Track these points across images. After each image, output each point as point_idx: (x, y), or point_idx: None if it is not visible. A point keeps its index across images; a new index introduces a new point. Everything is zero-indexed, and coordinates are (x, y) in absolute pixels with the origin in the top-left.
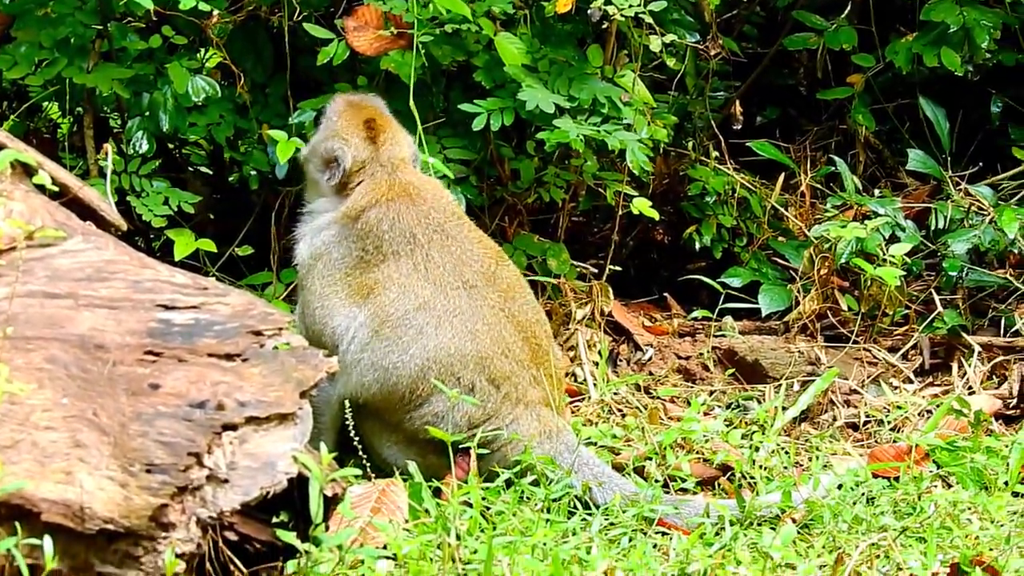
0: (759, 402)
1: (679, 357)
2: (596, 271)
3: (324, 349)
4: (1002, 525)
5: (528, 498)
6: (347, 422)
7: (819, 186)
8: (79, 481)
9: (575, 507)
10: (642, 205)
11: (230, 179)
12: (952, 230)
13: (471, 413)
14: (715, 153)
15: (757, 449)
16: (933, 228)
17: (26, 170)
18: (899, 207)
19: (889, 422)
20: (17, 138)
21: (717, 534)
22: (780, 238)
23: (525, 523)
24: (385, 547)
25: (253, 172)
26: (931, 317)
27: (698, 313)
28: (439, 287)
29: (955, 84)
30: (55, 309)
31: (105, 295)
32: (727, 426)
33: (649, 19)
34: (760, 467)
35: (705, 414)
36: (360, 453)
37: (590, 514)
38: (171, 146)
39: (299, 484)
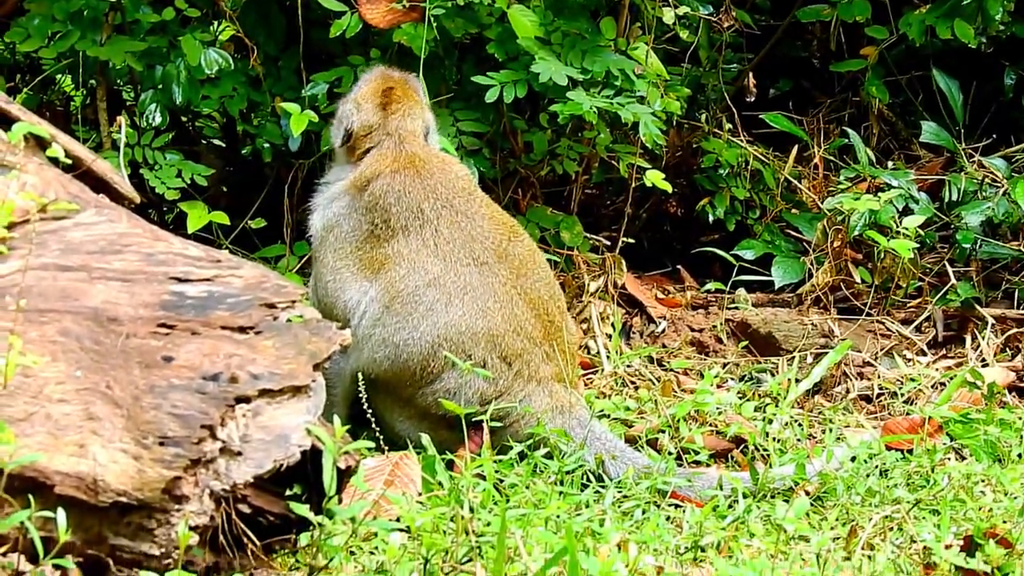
0: (772, 374)
1: (692, 329)
2: (609, 243)
3: (336, 322)
4: (1015, 497)
5: (541, 471)
6: (360, 395)
7: (832, 158)
8: (92, 454)
9: (588, 480)
10: (655, 177)
11: (243, 152)
12: (965, 202)
13: (483, 390)
14: (728, 125)
15: (770, 421)
16: (946, 200)
17: (39, 143)
18: (912, 179)
19: (902, 394)
20: (30, 111)
21: (730, 506)
22: (793, 210)
23: (538, 496)
24: (398, 519)
25: (266, 145)
26: (944, 289)
27: (711, 285)
28: (449, 263)
29: (968, 56)
30: (68, 282)
31: (118, 268)
32: (740, 398)
33: None
34: (773, 439)
35: (718, 386)
36: (373, 426)
37: (603, 487)
38: (184, 119)
39: (312, 457)
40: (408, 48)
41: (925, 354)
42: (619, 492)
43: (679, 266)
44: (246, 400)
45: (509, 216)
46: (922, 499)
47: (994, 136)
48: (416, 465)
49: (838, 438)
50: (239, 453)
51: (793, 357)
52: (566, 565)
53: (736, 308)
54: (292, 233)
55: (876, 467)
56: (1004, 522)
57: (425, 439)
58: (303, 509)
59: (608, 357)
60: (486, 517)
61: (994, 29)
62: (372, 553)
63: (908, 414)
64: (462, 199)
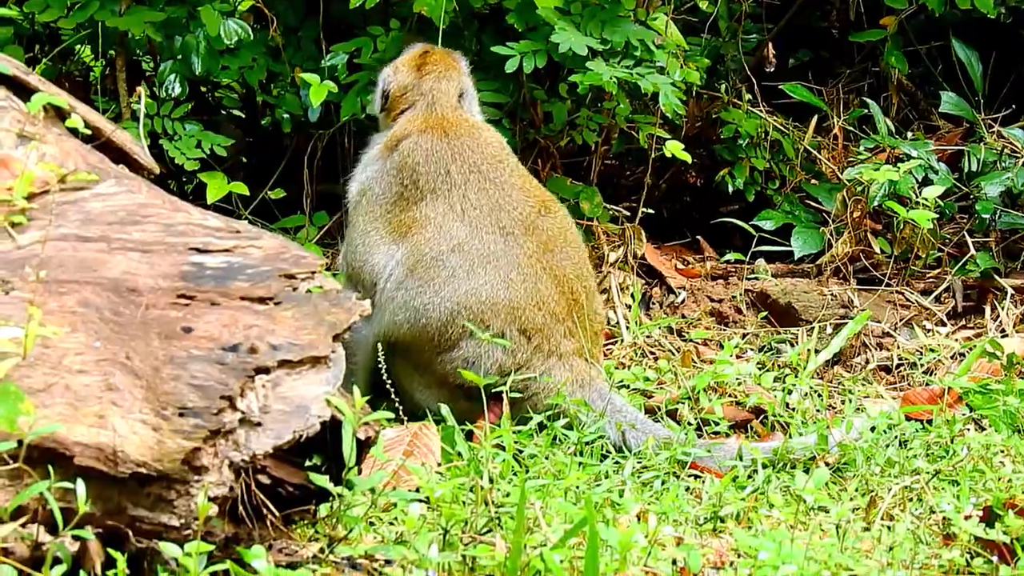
0: (792, 345)
1: (712, 300)
2: (629, 214)
3: (364, 286)
4: None
5: (561, 442)
6: (380, 364)
7: (852, 128)
8: (112, 425)
9: (608, 451)
10: (675, 148)
11: (262, 122)
12: (985, 172)
13: (501, 361)
14: (748, 96)
15: (790, 392)
16: (966, 171)
17: (59, 113)
18: (932, 150)
19: (922, 365)
20: (50, 81)
21: (750, 477)
22: (813, 181)
23: (558, 466)
24: (418, 490)
25: (286, 115)
26: (964, 260)
27: (731, 256)
28: (474, 230)
29: (988, 26)
30: (88, 253)
31: (138, 238)
32: (760, 369)
33: None
34: (793, 410)
35: (738, 357)
36: (393, 397)
37: (623, 457)
38: (203, 89)
39: (332, 427)
40: (428, 19)
41: (944, 324)
42: (639, 463)
43: (699, 237)
44: (265, 371)
45: (544, 191)
46: (941, 470)
47: (1013, 107)
48: (436, 435)
49: (857, 409)
50: (259, 424)
51: (812, 327)
52: (586, 536)
53: (755, 278)
54: (311, 203)
55: (895, 438)
56: (1023, 492)
57: (444, 409)
58: (322, 480)
59: (627, 328)
60: (505, 488)
61: None
62: (391, 524)
63: (927, 385)
64: (491, 165)
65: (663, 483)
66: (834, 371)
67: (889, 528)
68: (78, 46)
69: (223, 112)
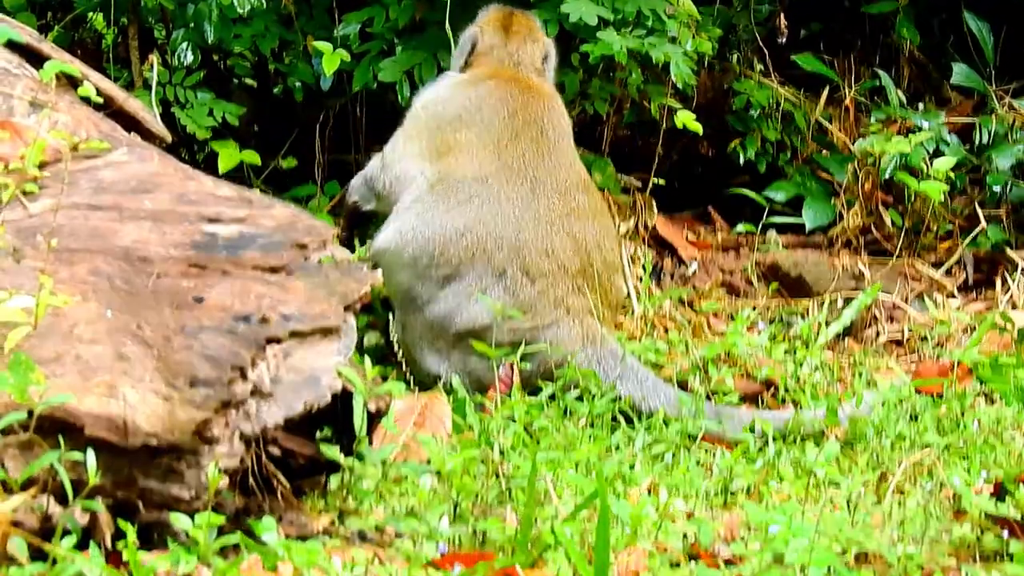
0: (803, 317)
1: (723, 271)
2: (640, 184)
3: (384, 190)
4: None
5: (572, 413)
6: (391, 336)
7: (863, 100)
8: (122, 395)
9: (618, 422)
10: (686, 118)
11: (274, 91)
12: (996, 145)
13: (503, 300)
14: (759, 66)
15: (800, 364)
16: (977, 143)
17: (71, 81)
18: (943, 122)
19: (933, 338)
20: (62, 49)
21: (760, 450)
22: (824, 152)
23: (569, 439)
24: (428, 462)
25: (298, 84)
26: (975, 232)
27: (742, 227)
28: (508, 171)
29: None
30: (99, 221)
31: (149, 207)
32: (771, 341)
33: None
34: (803, 383)
35: (749, 329)
36: (402, 364)
37: (633, 430)
38: (215, 57)
39: (343, 398)
40: None
41: (955, 297)
42: (649, 435)
43: (710, 207)
44: (277, 341)
45: (588, 175)
46: (952, 444)
47: None
48: (446, 406)
49: (868, 382)
50: (270, 395)
51: (823, 300)
52: (596, 509)
53: (767, 250)
54: (323, 173)
55: (906, 411)
56: None
57: (456, 380)
58: (333, 452)
59: (638, 299)
60: (516, 460)
61: None
62: (402, 496)
63: (938, 358)
64: (552, 128)
65: (674, 456)
66: (845, 343)
67: (900, 503)
68: (90, 14)
69: (235, 80)
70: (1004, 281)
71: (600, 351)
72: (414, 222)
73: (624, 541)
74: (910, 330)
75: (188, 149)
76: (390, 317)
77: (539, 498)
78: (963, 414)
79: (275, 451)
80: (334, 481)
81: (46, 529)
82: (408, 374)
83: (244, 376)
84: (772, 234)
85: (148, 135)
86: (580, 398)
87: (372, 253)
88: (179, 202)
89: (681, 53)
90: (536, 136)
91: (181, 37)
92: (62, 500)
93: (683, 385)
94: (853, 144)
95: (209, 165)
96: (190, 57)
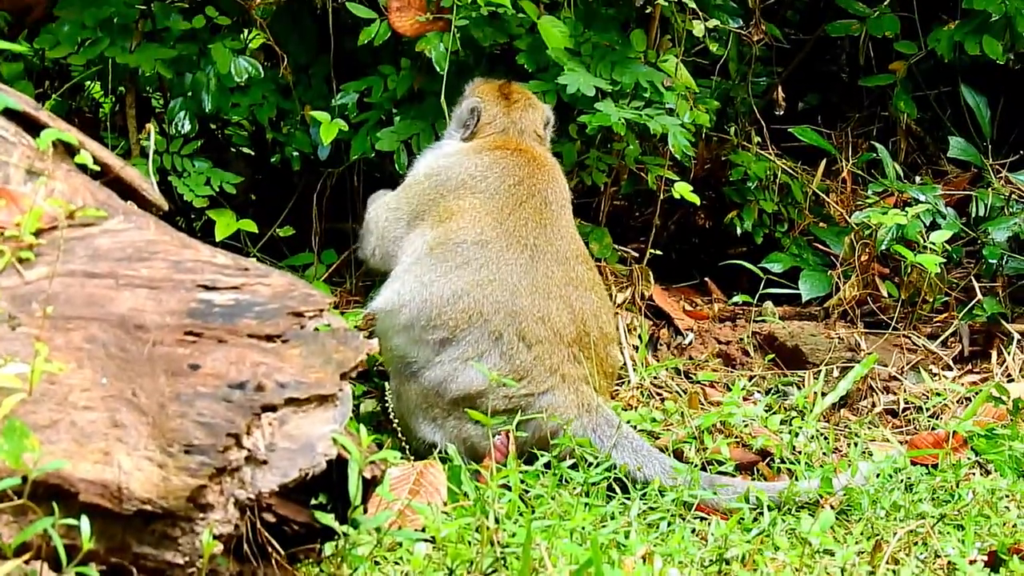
0: (799, 388)
1: (719, 342)
2: (637, 255)
3: (385, 254)
4: None
5: (567, 481)
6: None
7: (860, 172)
8: (117, 461)
9: (614, 490)
10: (684, 190)
11: (272, 160)
12: (992, 218)
13: (499, 366)
14: (757, 138)
15: (796, 435)
16: (973, 216)
17: (68, 149)
18: (940, 194)
19: (928, 409)
20: (59, 117)
21: (755, 519)
22: (821, 224)
23: (564, 507)
24: (423, 529)
25: (295, 153)
26: (971, 304)
27: (738, 298)
28: (507, 236)
29: (996, 72)
30: (95, 289)
31: (146, 275)
32: (767, 411)
33: (692, 4)
34: (799, 453)
35: (745, 399)
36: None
37: (628, 498)
38: (213, 126)
39: (338, 466)
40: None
41: (951, 369)
42: (644, 504)
43: (707, 278)
44: (272, 409)
45: (586, 250)
46: (947, 514)
47: (1021, 152)
48: (441, 474)
49: (863, 452)
50: (265, 462)
51: (819, 370)
52: None
53: (763, 321)
54: (320, 242)
55: (901, 481)
56: None
57: (451, 449)
58: (328, 518)
59: (635, 368)
60: (511, 528)
61: (1022, 46)
62: (397, 563)
63: (933, 429)
64: (554, 199)
65: (669, 524)
66: (840, 414)
67: (894, 572)
68: (88, 82)
69: (232, 149)
70: (1000, 353)
71: (596, 419)
72: (412, 284)
73: None
74: (906, 401)
75: (185, 217)
76: (386, 385)
77: (534, 566)
78: (958, 485)
79: (270, 518)
80: (329, 548)
81: None
82: (403, 442)
83: (239, 443)
84: (769, 305)
85: (145, 203)
86: (575, 467)
87: (369, 315)
88: (175, 270)
89: (679, 124)
90: (539, 206)
91: (179, 106)
92: (56, 566)
93: (679, 454)
94: (850, 216)
95: (206, 233)
96: (187, 126)
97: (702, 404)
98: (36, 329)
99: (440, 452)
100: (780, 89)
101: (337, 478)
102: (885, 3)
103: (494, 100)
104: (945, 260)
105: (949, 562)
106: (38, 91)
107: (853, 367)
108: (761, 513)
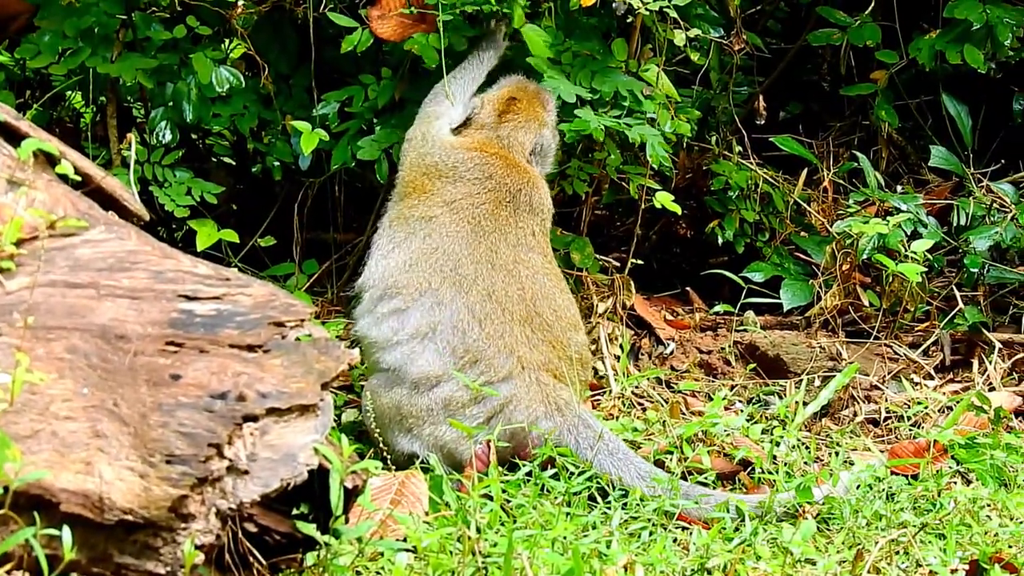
0: (780, 397)
1: (701, 351)
2: (618, 264)
3: None
4: (1021, 522)
5: (549, 491)
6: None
7: (842, 182)
8: (99, 471)
9: (595, 499)
10: (665, 199)
11: (253, 170)
12: (974, 227)
13: (454, 345)
14: (738, 148)
15: (777, 444)
16: (955, 225)
17: (49, 159)
18: (921, 203)
19: (909, 418)
20: (40, 127)
21: (737, 529)
22: (802, 233)
23: (545, 516)
24: (405, 539)
25: (276, 163)
26: (952, 313)
27: (720, 307)
28: (457, 217)
29: (978, 81)
30: (76, 299)
31: (127, 285)
32: (748, 421)
33: (674, 14)
34: (780, 462)
35: (726, 409)
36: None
37: (610, 507)
38: (194, 136)
39: (319, 476)
40: (420, 65)
41: (932, 378)
42: (626, 513)
43: (688, 288)
44: (254, 419)
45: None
46: (928, 523)
47: (1003, 161)
48: (423, 484)
49: (845, 461)
50: (246, 472)
51: (801, 380)
52: None
53: (744, 330)
54: (301, 251)
55: (882, 491)
56: (1010, 547)
57: (433, 459)
58: (309, 528)
59: (616, 378)
60: (493, 538)
61: (1003, 55)
62: (379, 573)
63: (915, 438)
64: (526, 204)
65: (651, 534)
66: (822, 423)
67: None
68: (69, 92)
69: (214, 159)
70: (981, 362)
71: (568, 419)
72: (375, 257)
73: None
74: (887, 410)
75: (166, 227)
76: (364, 399)
77: None
78: (939, 494)
79: (251, 528)
80: (310, 558)
81: None
82: (385, 452)
83: (220, 453)
84: (750, 314)
85: (126, 213)
86: (556, 476)
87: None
88: (156, 280)
89: (658, 134)
90: (503, 200)
91: (160, 116)
92: None
93: (660, 464)
94: (831, 225)
95: (187, 243)
96: (168, 136)
97: (683, 414)
98: (17, 339)
99: (421, 462)
100: (761, 98)
101: (319, 488)
102: (866, 12)
103: (492, 109)
104: (926, 269)
105: (931, 571)
106: (19, 101)
107: (834, 376)
108: (743, 522)
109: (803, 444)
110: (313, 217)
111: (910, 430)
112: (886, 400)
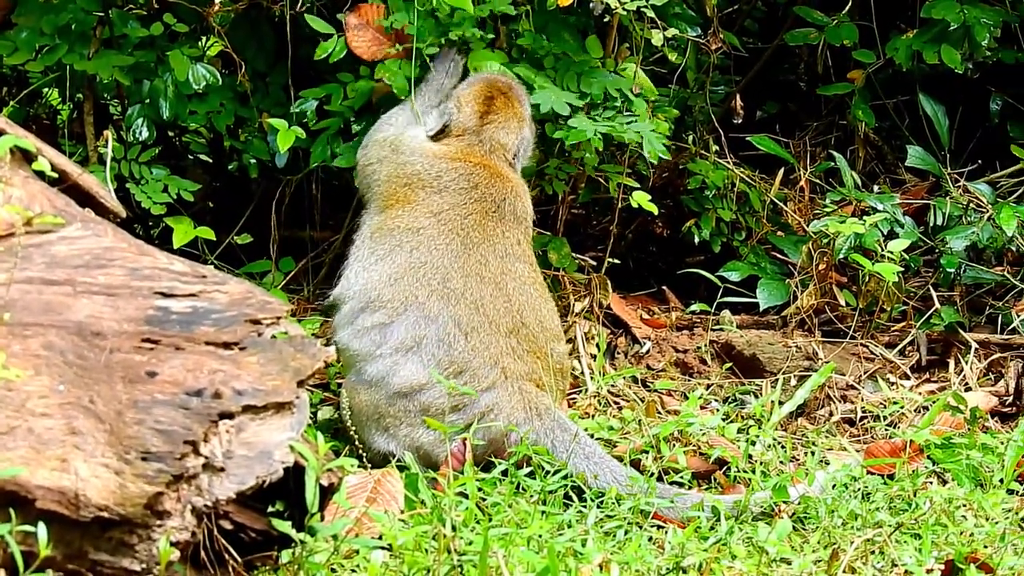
0: (756, 396)
1: (677, 350)
2: (595, 264)
3: None
4: (997, 522)
5: (524, 489)
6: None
7: (818, 181)
8: (74, 468)
9: (571, 498)
10: (642, 199)
11: (230, 167)
12: (950, 227)
13: (439, 357)
14: (715, 147)
15: (753, 443)
16: (931, 225)
17: (25, 156)
18: (898, 203)
19: (885, 418)
20: (17, 124)
21: (712, 528)
22: (779, 233)
23: (521, 515)
24: (380, 537)
25: (253, 160)
26: (928, 313)
27: (696, 307)
28: (441, 224)
29: (955, 81)
30: (53, 296)
31: (103, 282)
32: (724, 420)
33: (651, 13)
34: (756, 462)
35: (702, 408)
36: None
37: (585, 506)
38: (171, 134)
39: (295, 473)
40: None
41: (908, 378)
42: (601, 512)
43: (664, 287)
44: (229, 416)
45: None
46: (904, 523)
47: (979, 161)
48: (399, 482)
49: (821, 461)
50: (222, 469)
51: (777, 379)
52: None
53: (721, 329)
54: (278, 249)
55: (858, 490)
56: (985, 547)
57: (408, 457)
58: (285, 526)
59: (592, 377)
60: (468, 536)
61: (980, 55)
62: (354, 571)
63: (891, 438)
64: (510, 212)
65: (626, 533)
66: (798, 423)
67: None
68: (46, 89)
69: (190, 157)
70: (957, 362)
71: (546, 423)
72: (355, 269)
73: None
74: (863, 410)
75: (143, 225)
76: (342, 396)
77: (491, 574)
78: (915, 494)
79: (227, 525)
80: (286, 555)
81: None
82: (360, 450)
83: (196, 450)
84: (726, 314)
85: (102, 210)
86: (532, 475)
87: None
88: (133, 277)
89: (651, 129)
90: (489, 210)
91: (136, 113)
92: (13, 572)
93: (636, 464)
94: (808, 225)
95: (164, 240)
96: (145, 133)
97: (659, 413)
98: None
99: (397, 461)
100: (738, 98)
101: (294, 485)
102: (844, 12)
103: (472, 111)
104: (903, 269)
105: (906, 571)
106: None
107: (810, 376)
108: (718, 521)
109: (779, 443)
110: (290, 215)
111: (886, 430)
112: (862, 400)
